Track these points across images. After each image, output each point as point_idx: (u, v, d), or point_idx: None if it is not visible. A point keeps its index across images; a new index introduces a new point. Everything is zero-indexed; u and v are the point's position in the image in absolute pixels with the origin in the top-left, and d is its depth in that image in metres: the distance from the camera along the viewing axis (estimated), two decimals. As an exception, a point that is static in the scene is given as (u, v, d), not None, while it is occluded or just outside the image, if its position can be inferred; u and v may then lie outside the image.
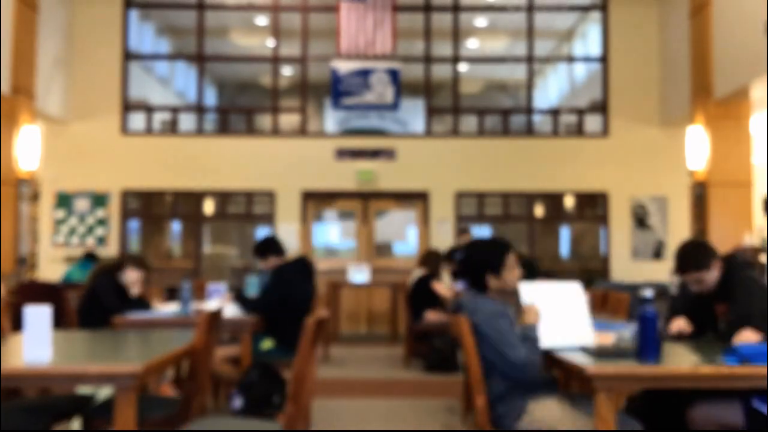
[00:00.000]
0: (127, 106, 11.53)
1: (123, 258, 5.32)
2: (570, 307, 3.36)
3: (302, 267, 5.50)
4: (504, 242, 3.43)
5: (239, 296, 5.46)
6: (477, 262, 3.33)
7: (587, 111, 12.01)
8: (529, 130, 11.99)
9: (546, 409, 3.05)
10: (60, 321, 4.51)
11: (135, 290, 5.20)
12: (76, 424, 3.93)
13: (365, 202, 11.71)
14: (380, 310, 10.89)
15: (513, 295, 3.34)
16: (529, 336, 3.10)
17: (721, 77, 9.25)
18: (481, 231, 11.96)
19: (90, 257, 9.12)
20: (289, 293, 5.22)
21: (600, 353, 2.97)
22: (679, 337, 3.57)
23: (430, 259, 8.30)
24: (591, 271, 11.20)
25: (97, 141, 11.25)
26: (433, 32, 11.86)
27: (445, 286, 7.98)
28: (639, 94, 11.53)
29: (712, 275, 3.57)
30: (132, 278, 5.13)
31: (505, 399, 3.09)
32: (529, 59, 11.88)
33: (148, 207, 11.74)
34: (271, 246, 5.64)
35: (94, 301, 4.97)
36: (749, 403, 3.10)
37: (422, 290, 7.95)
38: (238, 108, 13.34)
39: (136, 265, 5.15)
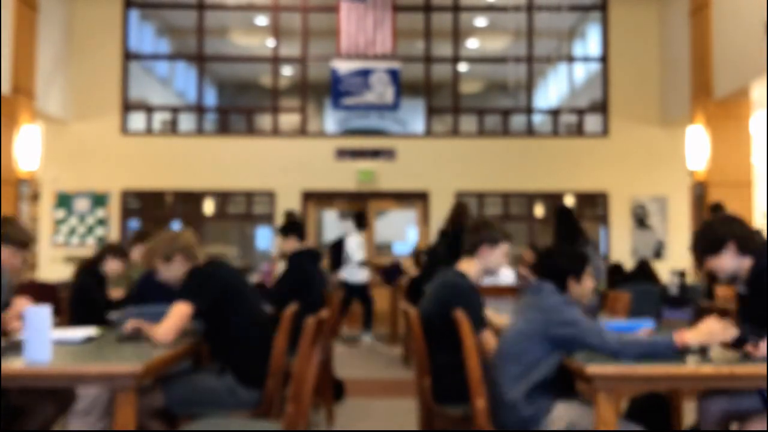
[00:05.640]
0: (127, 106, 11.52)
1: (103, 250, 5.14)
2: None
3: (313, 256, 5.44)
4: (585, 253, 3.32)
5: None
6: (561, 265, 3.19)
7: (587, 111, 12.00)
8: (529, 130, 11.98)
9: (568, 409, 3.00)
10: (60, 322, 4.51)
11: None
12: (75, 423, 3.92)
13: (365, 202, 11.69)
14: (380, 310, 10.86)
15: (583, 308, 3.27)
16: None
17: (721, 77, 9.24)
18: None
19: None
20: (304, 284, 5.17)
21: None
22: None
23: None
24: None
25: (97, 141, 11.24)
26: (433, 32, 11.85)
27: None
28: (639, 94, 11.52)
29: (724, 261, 3.12)
30: (113, 267, 5.00)
31: (529, 399, 2.99)
32: (529, 59, 11.87)
33: (148, 207, 11.73)
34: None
35: (81, 299, 4.82)
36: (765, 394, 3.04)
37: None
38: (238, 108, 13.33)
39: (114, 255, 5.02)
